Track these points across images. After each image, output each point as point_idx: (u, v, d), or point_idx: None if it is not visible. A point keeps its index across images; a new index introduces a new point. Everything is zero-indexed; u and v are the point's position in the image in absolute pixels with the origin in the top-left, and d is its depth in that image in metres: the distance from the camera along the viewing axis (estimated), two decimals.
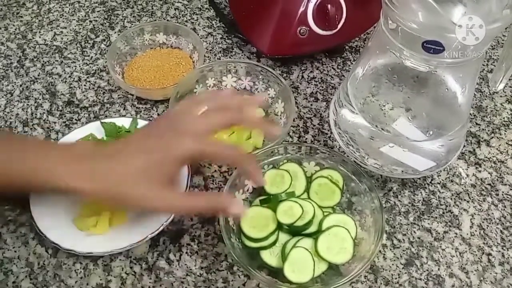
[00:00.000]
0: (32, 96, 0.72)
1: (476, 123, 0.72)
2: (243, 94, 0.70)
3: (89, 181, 0.50)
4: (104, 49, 0.78)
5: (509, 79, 0.59)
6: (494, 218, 0.62)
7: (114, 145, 0.55)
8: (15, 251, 0.58)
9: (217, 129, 0.55)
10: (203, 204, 0.52)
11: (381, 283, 0.57)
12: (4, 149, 0.53)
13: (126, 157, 0.51)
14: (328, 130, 0.69)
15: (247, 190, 0.60)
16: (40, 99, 0.72)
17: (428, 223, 0.61)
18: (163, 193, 0.51)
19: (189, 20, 0.83)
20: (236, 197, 0.58)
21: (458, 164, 0.67)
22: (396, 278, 0.57)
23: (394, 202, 0.63)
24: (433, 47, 0.49)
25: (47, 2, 0.85)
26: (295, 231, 0.56)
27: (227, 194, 0.57)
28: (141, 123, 0.66)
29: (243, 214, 0.54)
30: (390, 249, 0.59)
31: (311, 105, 0.73)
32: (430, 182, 0.65)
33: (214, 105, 0.55)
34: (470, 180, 0.66)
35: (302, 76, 0.76)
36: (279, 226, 0.56)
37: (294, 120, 0.70)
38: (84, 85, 0.74)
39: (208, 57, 0.78)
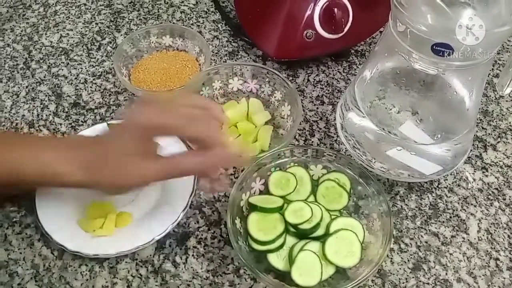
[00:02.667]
0: (38, 98, 0.72)
1: (483, 128, 0.72)
2: (249, 97, 0.70)
3: (77, 166, 0.51)
4: (110, 51, 0.78)
5: None
6: (501, 223, 0.62)
7: (98, 137, 0.57)
8: (21, 253, 0.58)
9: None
10: (192, 167, 0.53)
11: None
12: None
13: (107, 143, 0.53)
14: (335, 134, 0.69)
15: (254, 192, 0.60)
16: (46, 101, 0.72)
17: (436, 227, 0.61)
18: (147, 163, 0.52)
19: (195, 23, 0.83)
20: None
21: (465, 169, 0.67)
22: (403, 283, 0.57)
23: (401, 206, 0.63)
24: (442, 50, 0.49)
25: (53, 4, 0.85)
26: (302, 234, 0.56)
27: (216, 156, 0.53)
28: None
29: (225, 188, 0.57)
30: (398, 253, 0.59)
31: (317, 108, 0.73)
32: (437, 186, 0.65)
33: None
34: (477, 184, 0.65)
35: (308, 80, 0.76)
36: (287, 229, 0.56)
37: (300, 123, 0.69)
38: (90, 87, 0.74)
39: (214, 60, 0.78)
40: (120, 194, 0.57)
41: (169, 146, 0.64)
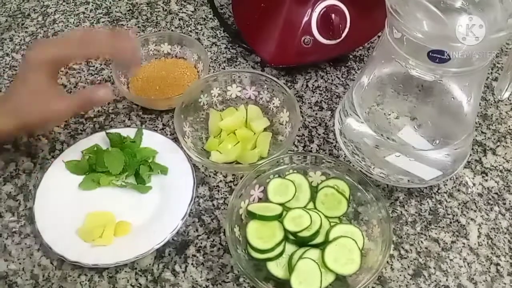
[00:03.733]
0: None
1: (482, 132, 0.71)
2: (248, 104, 0.70)
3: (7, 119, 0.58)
4: (109, 60, 0.79)
5: None
6: (501, 228, 0.62)
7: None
8: (20, 263, 0.58)
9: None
10: (76, 102, 0.60)
11: None
12: None
13: (15, 88, 0.60)
14: (334, 139, 0.69)
15: (253, 200, 0.60)
16: None
17: (436, 233, 0.61)
18: (58, 98, 0.59)
19: (193, 30, 0.83)
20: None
21: (464, 173, 0.67)
22: None
23: (401, 212, 0.63)
24: (438, 57, 0.49)
25: (52, 13, 0.86)
26: (301, 241, 0.56)
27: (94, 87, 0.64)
28: (146, 133, 0.66)
29: (109, 95, 0.60)
30: (398, 260, 0.59)
31: (316, 114, 0.73)
32: (437, 192, 0.65)
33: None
34: (477, 189, 0.65)
35: (307, 85, 0.76)
36: (286, 237, 0.56)
37: (299, 129, 0.69)
38: None
39: (213, 67, 0.78)
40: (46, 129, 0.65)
41: (166, 152, 0.65)
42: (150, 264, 0.58)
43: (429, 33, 0.49)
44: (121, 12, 0.86)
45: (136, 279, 0.57)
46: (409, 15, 0.50)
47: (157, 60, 0.77)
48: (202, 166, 0.66)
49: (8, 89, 0.64)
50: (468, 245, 0.60)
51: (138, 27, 0.84)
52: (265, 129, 0.69)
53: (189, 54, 0.77)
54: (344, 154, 0.65)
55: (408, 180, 0.61)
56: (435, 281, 0.57)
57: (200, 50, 0.75)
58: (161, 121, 0.71)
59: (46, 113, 0.59)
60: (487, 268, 0.58)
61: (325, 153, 0.68)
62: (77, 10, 0.86)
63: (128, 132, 0.66)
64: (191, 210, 0.61)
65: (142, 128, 0.67)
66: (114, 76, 0.70)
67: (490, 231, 0.61)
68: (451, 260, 0.59)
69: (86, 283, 0.56)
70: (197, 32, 0.83)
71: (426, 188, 0.65)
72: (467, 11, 0.50)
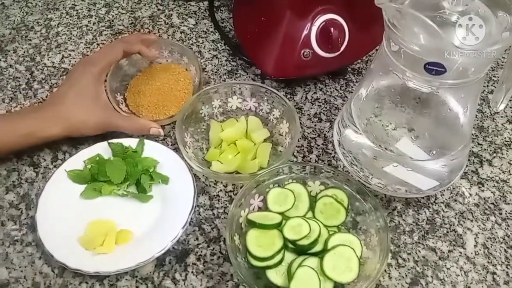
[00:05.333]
0: None
1: (478, 143, 0.72)
2: (248, 115, 0.72)
3: (53, 122, 0.64)
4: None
5: (510, 100, 0.60)
6: (498, 237, 0.63)
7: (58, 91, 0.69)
8: (21, 271, 0.58)
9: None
10: (135, 126, 0.68)
11: None
12: None
13: (65, 92, 0.67)
14: (332, 150, 0.70)
15: (253, 209, 0.60)
16: None
17: (433, 242, 0.62)
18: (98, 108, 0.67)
19: (194, 43, 0.85)
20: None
21: (461, 184, 0.68)
22: None
23: (399, 221, 0.63)
24: (435, 69, 0.50)
25: (55, 25, 0.87)
26: (300, 250, 0.56)
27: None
28: (148, 143, 0.67)
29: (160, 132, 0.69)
30: (395, 268, 0.59)
31: (315, 125, 0.74)
32: (434, 202, 0.65)
33: None
34: (474, 199, 0.66)
35: (306, 97, 0.77)
36: (285, 245, 0.56)
37: (298, 140, 0.70)
38: None
39: (214, 79, 0.79)
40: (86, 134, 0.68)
41: (167, 162, 0.66)
42: (150, 272, 0.58)
43: (425, 46, 0.50)
44: (123, 25, 0.88)
45: (137, 287, 0.57)
46: (406, 29, 0.51)
47: (148, 68, 0.77)
48: (203, 175, 0.67)
49: (57, 91, 0.68)
50: (465, 254, 0.61)
51: None
52: (265, 140, 0.70)
53: (177, 57, 0.77)
54: (343, 164, 0.66)
55: (406, 190, 0.62)
56: None
57: (187, 52, 0.76)
58: (163, 130, 0.72)
59: (101, 125, 0.67)
60: (484, 277, 0.59)
61: (324, 163, 0.69)
62: (80, 23, 0.88)
63: (130, 142, 0.67)
64: (191, 219, 0.61)
65: (144, 139, 0.68)
66: (111, 99, 0.70)
67: (487, 241, 0.62)
68: (448, 269, 0.60)
69: None
70: (198, 45, 0.84)
71: (423, 198, 0.66)
72: (463, 26, 0.51)
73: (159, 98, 0.73)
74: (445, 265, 0.60)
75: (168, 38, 0.86)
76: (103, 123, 0.66)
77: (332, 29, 0.71)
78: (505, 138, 0.73)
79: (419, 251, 0.61)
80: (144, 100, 0.73)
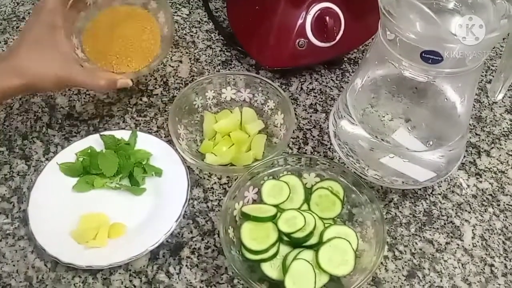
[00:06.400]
0: (32, 109, 0.72)
1: (476, 134, 0.72)
2: (243, 106, 0.70)
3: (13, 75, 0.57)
4: None
5: (508, 89, 0.59)
6: (496, 229, 0.62)
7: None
8: (14, 265, 0.58)
9: None
10: (99, 82, 0.61)
11: None
12: None
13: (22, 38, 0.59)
14: (328, 142, 0.69)
15: (247, 201, 0.60)
16: (39, 112, 0.72)
17: (430, 234, 0.61)
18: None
19: (188, 33, 0.84)
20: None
21: (458, 175, 0.67)
22: None
23: (395, 213, 0.63)
24: (431, 57, 0.49)
25: None
26: (296, 243, 0.56)
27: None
28: (141, 135, 0.66)
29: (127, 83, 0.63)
30: (392, 261, 0.59)
31: (311, 116, 0.73)
32: (431, 193, 0.65)
33: None
34: (471, 190, 0.65)
35: (301, 88, 0.76)
36: (280, 238, 0.56)
37: (293, 132, 0.70)
38: (84, 98, 0.74)
39: (208, 69, 0.78)
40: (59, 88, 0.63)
41: (161, 155, 0.65)
42: (144, 266, 0.58)
43: (422, 34, 0.49)
44: None
45: (130, 281, 0.57)
46: (402, 16, 0.50)
47: (109, 9, 0.66)
48: (197, 168, 0.66)
49: (11, 45, 0.63)
50: (463, 246, 0.60)
51: None
52: (259, 132, 0.69)
53: (144, 1, 0.67)
54: (339, 156, 0.65)
55: (403, 182, 0.61)
56: (429, 282, 0.57)
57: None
58: (156, 123, 0.71)
59: (61, 80, 0.59)
60: (482, 269, 0.59)
61: (320, 155, 0.68)
62: None
63: (123, 134, 0.66)
64: (185, 212, 0.60)
65: (137, 131, 0.67)
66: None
67: (485, 232, 0.62)
68: (445, 261, 0.59)
69: (80, 285, 0.56)
70: (192, 35, 0.83)
71: (420, 189, 0.65)
72: (460, 12, 0.50)
73: (121, 47, 0.65)
74: (443, 257, 0.59)
75: None
76: (62, 78, 0.59)
77: (327, 18, 0.70)
78: (503, 128, 0.73)
79: (416, 243, 0.60)
80: (104, 47, 0.65)
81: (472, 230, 0.62)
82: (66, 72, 0.59)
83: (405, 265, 0.59)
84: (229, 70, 0.78)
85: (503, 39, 0.54)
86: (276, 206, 0.58)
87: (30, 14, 0.63)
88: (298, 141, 0.70)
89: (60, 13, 0.59)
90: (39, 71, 0.58)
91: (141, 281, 0.57)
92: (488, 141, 0.71)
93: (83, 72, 0.60)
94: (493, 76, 0.78)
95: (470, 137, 0.71)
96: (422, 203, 0.64)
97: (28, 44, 0.58)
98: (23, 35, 0.59)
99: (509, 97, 0.77)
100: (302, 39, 0.71)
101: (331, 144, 0.68)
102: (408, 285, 0.57)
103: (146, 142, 0.66)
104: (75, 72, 0.60)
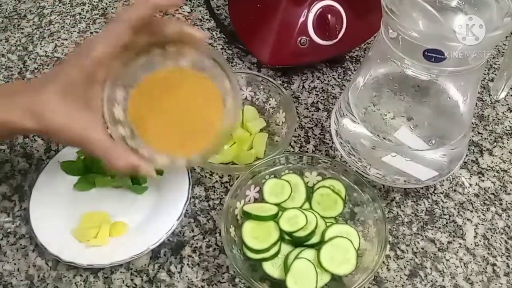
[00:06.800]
0: None
1: (478, 132, 0.71)
2: (244, 105, 0.70)
3: (22, 113, 0.47)
4: None
5: (511, 88, 0.58)
6: (498, 228, 0.62)
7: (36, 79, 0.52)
8: (15, 264, 0.58)
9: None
10: (124, 162, 0.48)
11: None
12: None
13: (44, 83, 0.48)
14: (330, 140, 0.69)
15: (249, 200, 0.59)
16: None
17: (432, 233, 0.61)
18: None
19: None
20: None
21: (461, 174, 0.66)
22: None
23: (397, 212, 0.63)
24: (434, 56, 0.49)
25: (48, 14, 0.86)
26: (297, 241, 0.55)
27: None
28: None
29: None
30: (394, 260, 0.59)
31: (312, 115, 0.72)
32: (433, 192, 0.64)
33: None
34: (473, 189, 0.65)
35: (303, 86, 0.76)
36: (282, 237, 0.55)
37: (295, 130, 0.69)
38: None
39: None
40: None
41: None
42: (145, 265, 0.58)
43: (424, 32, 0.49)
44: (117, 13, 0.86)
45: (132, 280, 0.56)
46: (404, 14, 0.49)
47: (167, 70, 0.50)
48: (198, 166, 0.66)
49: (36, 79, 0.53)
50: (465, 245, 0.60)
51: None
52: (261, 130, 0.68)
53: (208, 64, 0.51)
54: (340, 154, 0.65)
55: (405, 181, 0.61)
56: (431, 281, 0.57)
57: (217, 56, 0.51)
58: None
59: (78, 142, 0.48)
60: (484, 268, 0.58)
61: (321, 153, 0.68)
62: (73, 11, 0.86)
63: None
64: (186, 210, 0.60)
65: None
66: (106, 102, 0.49)
67: (487, 232, 0.61)
68: (447, 260, 0.59)
69: (81, 284, 0.56)
70: None
71: (422, 188, 0.65)
72: (463, 11, 0.50)
73: (181, 130, 0.50)
74: (445, 257, 0.59)
75: None
76: (82, 141, 0.48)
77: (329, 15, 0.69)
78: (505, 127, 0.72)
79: (418, 242, 0.60)
80: (149, 114, 0.50)
81: (474, 229, 0.62)
82: (87, 136, 0.48)
83: (407, 264, 0.58)
84: (231, 68, 0.78)
85: (506, 37, 0.53)
86: (277, 205, 0.58)
87: (73, 52, 0.53)
88: (300, 139, 0.70)
89: (105, 66, 0.48)
90: (60, 124, 0.47)
91: (142, 280, 0.57)
92: (491, 139, 0.71)
93: (104, 143, 0.48)
94: (496, 75, 0.78)
95: (473, 136, 0.70)
96: (424, 202, 0.64)
97: (58, 88, 0.48)
98: (55, 75, 0.49)
99: None
100: (304, 37, 0.71)
101: (333, 142, 0.68)
102: (410, 284, 0.57)
103: None
104: (96, 139, 0.48)
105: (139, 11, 0.47)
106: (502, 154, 0.69)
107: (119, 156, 0.48)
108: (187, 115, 0.50)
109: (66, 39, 0.82)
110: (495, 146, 0.70)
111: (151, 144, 0.49)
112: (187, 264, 0.58)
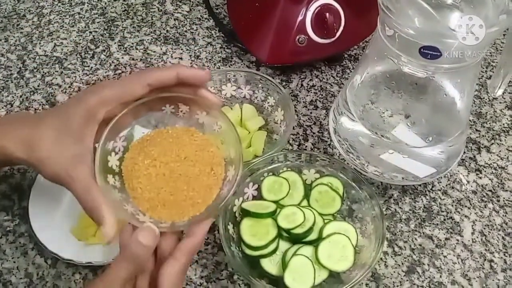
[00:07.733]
0: (32, 107, 0.72)
1: (476, 130, 0.72)
2: (243, 103, 0.70)
3: (14, 142, 0.47)
4: (104, 60, 0.79)
5: (508, 85, 0.59)
6: (495, 225, 0.62)
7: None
8: (14, 262, 0.58)
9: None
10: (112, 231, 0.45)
11: None
12: None
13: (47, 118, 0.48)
14: (328, 138, 0.69)
15: (247, 198, 0.60)
16: (40, 110, 0.72)
17: (430, 230, 0.61)
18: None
19: (188, 30, 0.84)
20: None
21: (458, 171, 0.67)
22: (397, 286, 0.57)
23: (395, 209, 0.63)
24: (430, 53, 0.49)
25: (47, 13, 0.86)
26: (295, 238, 0.56)
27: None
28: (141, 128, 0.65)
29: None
30: (391, 256, 0.59)
31: (311, 113, 0.73)
32: (431, 189, 0.65)
33: None
34: (471, 186, 0.65)
35: (302, 84, 0.76)
36: (280, 234, 0.56)
37: (294, 128, 0.70)
38: None
39: (208, 66, 0.78)
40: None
41: None
42: None
43: (420, 29, 0.49)
44: (116, 13, 0.86)
45: None
46: (400, 12, 0.50)
47: (175, 129, 0.49)
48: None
49: (38, 113, 0.52)
50: (462, 241, 0.60)
51: (133, 27, 0.84)
52: (260, 128, 0.69)
53: (218, 130, 0.49)
54: (339, 152, 0.65)
55: (403, 178, 0.61)
56: (429, 277, 0.57)
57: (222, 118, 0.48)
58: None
59: (62, 180, 0.45)
60: (481, 265, 0.59)
61: (320, 151, 0.68)
62: (72, 11, 0.86)
63: None
64: None
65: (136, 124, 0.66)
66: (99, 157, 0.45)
67: (484, 228, 0.62)
68: (445, 256, 0.59)
69: (80, 281, 0.56)
70: (192, 32, 0.83)
71: (420, 185, 0.65)
72: (459, 8, 0.50)
73: (179, 183, 0.46)
74: (442, 253, 0.59)
75: (161, 25, 0.84)
76: (64, 175, 0.45)
77: (327, 14, 0.70)
78: (503, 124, 0.73)
79: (415, 239, 0.60)
80: (151, 175, 0.46)
81: (472, 225, 0.62)
82: (71, 171, 0.45)
83: (405, 260, 0.59)
84: (229, 67, 0.78)
85: (503, 34, 0.53)
86: (275, 202, 0.58)
87: (84, 89, 0.52)
88: (298, 137, 0.70)
89: (107, 107, 0.46)
90: (48, 154, 0.46)
91: None
92: (488, 137, 0.71)
93: (86, 183, 0.44)
94: (493, 72, 0.78)
95: (470, 133, 0.71)
96: (422, 199, 0.64)
97: (55, 122, 0.47)
98: (58, 109, 0.49)
99: (509, 93, 0.77)
100: (302, 36, 0.71)
101: (331, 140, 0.68)
102: (407, 280, 0.57)
103: None
104: (79, 177, 0.44)
105: (163, 76, 0.47)
106: (500, 151, 0.69)
107: (93, 199, 0.44)
108: (183, 180, 0.46)
109: (65, 39, 0.82)
110: (492, 144, 0.70)
111: (137, 202, 0.46)
112: None
